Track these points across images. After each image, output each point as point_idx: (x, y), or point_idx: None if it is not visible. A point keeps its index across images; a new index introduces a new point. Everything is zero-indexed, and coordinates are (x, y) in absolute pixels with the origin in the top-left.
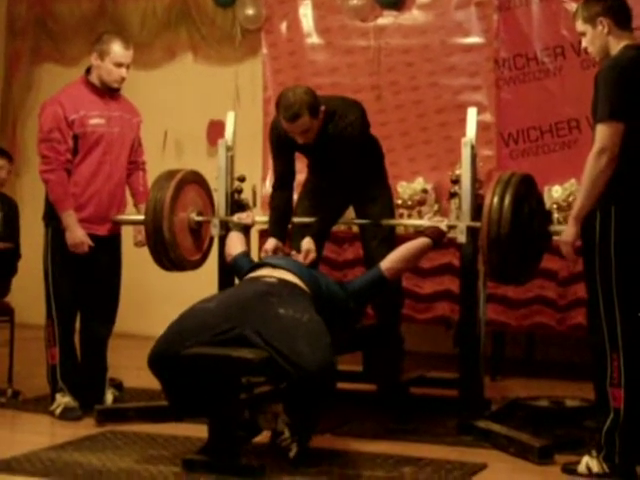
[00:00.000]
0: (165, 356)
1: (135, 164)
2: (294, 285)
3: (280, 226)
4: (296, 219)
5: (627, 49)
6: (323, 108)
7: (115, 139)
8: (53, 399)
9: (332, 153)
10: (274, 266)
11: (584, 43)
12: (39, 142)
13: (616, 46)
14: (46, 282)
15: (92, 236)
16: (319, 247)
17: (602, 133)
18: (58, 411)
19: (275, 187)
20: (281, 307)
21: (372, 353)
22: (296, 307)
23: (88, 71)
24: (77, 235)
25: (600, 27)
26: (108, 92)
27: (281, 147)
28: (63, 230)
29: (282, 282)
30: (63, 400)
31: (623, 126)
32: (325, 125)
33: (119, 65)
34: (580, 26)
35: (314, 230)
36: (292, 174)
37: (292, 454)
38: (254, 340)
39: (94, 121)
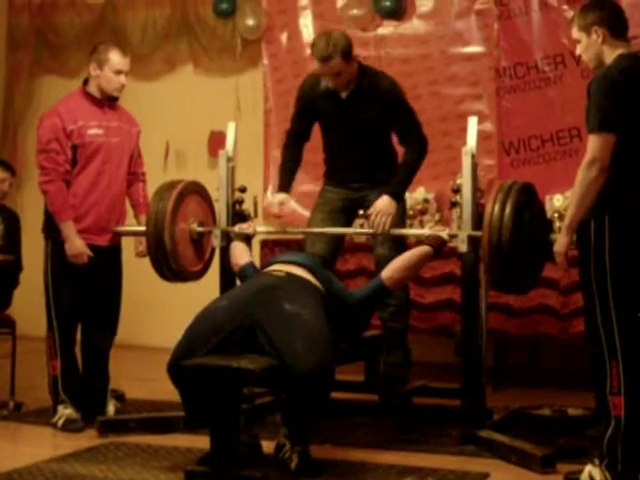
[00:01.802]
0: (180, 364)
1: (135, 175)
2: (303, 279)
3: (288, 180)
4: (309, 229)
5: (621, 58)
6: (356, 56)
7: (114, 149)
8: (55, 411)
9: (360, 112)
10: (285, 262)
11: (578, 50)
12: (38, 153)
13: (610, 55)
14: (46, 294)
15: (92, 247)
16: (333, 259)
17: (593, 144)
18: (60, 423)
19: (288, 140)
20: (286, 301)
21: (378, 362)
22: (301, 302)
23: (85, 82)
24: (76, 246)
25: (594, 36)
26: (107, 102)
27: (304, 109)
28: (63, 242)
29: (290, 276)
30: (65, 412)
31: (614, 137)
32: (360, 79)
33: (118, 72)
34: (575, 33)
35: (330, 244)
36: (307, 135)
37: (294, 465)
38: (259, 335)
39: (92, 131)
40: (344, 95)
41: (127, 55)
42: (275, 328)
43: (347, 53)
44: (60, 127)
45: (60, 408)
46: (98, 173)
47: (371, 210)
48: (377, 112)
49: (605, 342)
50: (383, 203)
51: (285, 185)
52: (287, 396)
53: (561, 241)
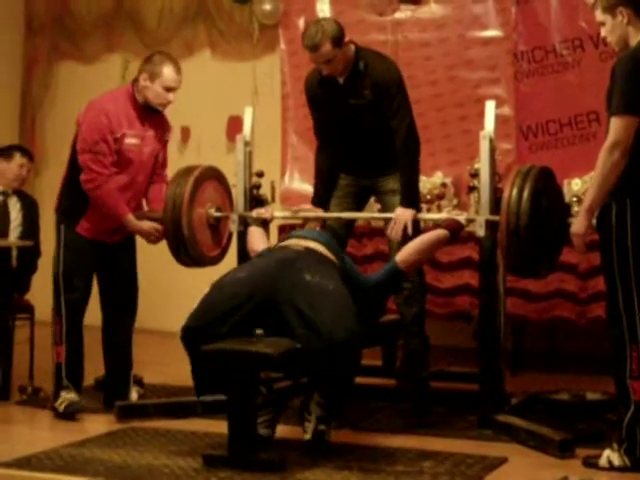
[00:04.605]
0: (196, 331)
1: (159, 176)
2: (321, 253)
3: (320, 196)
4: (325, 214)
5: None
6: (349, 39)
7: (145, 160)
8: (57, 396)
9: (357, 96)
10: (302, 237)
11: (603, 33)
12: (82, 151)
13: (635, 37)
14: (56, 279)
15: (104, 243)
16: (343, 244)
17: (616, 126)
18: (62, 407)
19: (318, 147)
20: (307, 273)
21: (396, 347)
22: (323, 274)
23: (134, 81)
24: (145, 230)
25: (620, 17)
26: (150, 111)
27: (313, 105)
28: (75, 229)
29: (309, 250)
30: (67, 397)
31: (638, 119)
32: (356, 63)
33: (169, 89)
34: (600, 16)
35: (341, 230)
36: (329, 129)
37: (308, 436)
38: (282, 308)
39: (130, 141)
40: (341, 80)
41: (181, 72)
42: (299, 299)
43: (336, 39)
44: (108, 129)
45: (63, 393)
46: (126, 184)
47: (391, 223)
48: (373, 96)
49: (626, 326)
50: (398, 214)
51: (315, 197)
52: (309, 378)
53: (580, 224)
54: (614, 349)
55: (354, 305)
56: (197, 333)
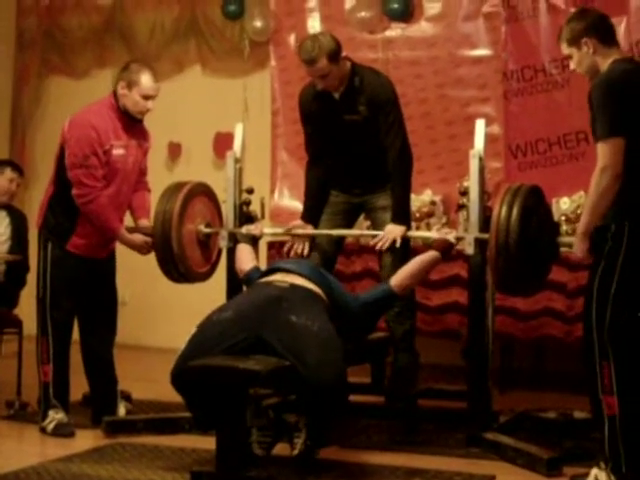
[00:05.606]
0: (187, 373)
1: (142, 184)
2: (307, 290)
3: (310, 212)
4: (314, 231)
5: (616, 63)
6: (345, 55)
7: (130, 169)
8: (45, 415)
9: (352, 111)
10: (287, 271)
11: (572, 65)
12: (73, 166)
13: (604, 63)
14: (42, 298)
15: (92, 259)
16: (333, 260)
17: (603, 151)
18: (50, 427)
19: (309, 162)
20: (293, 314)
21: (384, 365)
22: (308, 314)
23: (114, 92)
24: (137, 244)
25: (585, 48)
26: (132, 120)
27: (307, 120)
28: (63, 246)
29: (294, 287)
30: (56, 416)
31: (624, 141)
32: (352, 78)
33: (146, 97)
34: (565, 49)
35: (330, 246)
36: (322, 145)
37: (295, 452)
38: (267, 351)
39: (117, 151)
40: (337, 95)
41: (157, 80)
42: (283, 341)
43: (333, 54)
44: (97, 142)
45: (51, 413)
46: (113, 194)
47: (380, 235)
48: (368, 112)
49: (597, 341)
50: (390, 229)
51: (304, 213)
52: (299, 402)
53: (579, 247)
54: (587, 366)
55: (340, 343)
56: (188, 375)
